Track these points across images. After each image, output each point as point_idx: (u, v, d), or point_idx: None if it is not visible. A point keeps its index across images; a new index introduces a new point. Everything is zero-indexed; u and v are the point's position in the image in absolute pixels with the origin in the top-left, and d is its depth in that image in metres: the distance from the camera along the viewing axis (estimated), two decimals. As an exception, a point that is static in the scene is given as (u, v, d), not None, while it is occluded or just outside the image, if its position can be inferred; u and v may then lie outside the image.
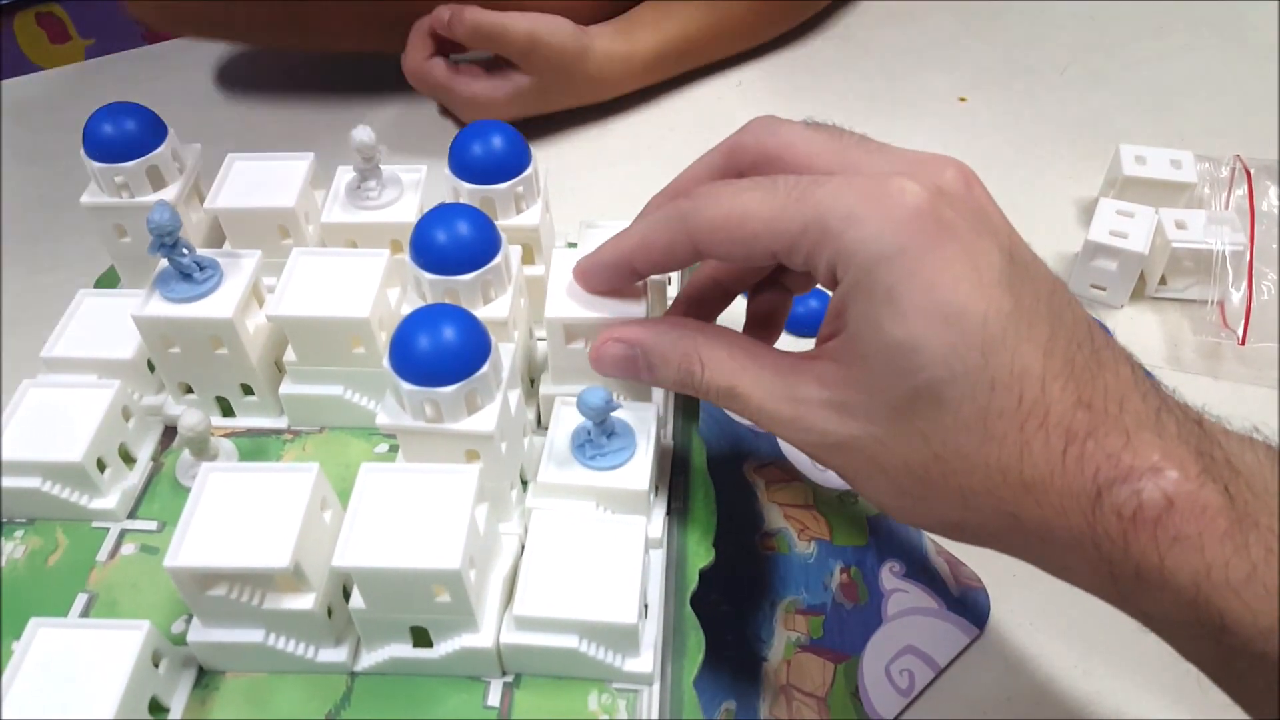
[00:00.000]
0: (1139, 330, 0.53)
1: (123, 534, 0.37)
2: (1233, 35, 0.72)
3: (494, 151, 0.39)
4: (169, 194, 0.41)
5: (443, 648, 0.32)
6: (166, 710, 0.32)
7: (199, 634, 0.32)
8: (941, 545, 0.44)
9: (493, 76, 0.62)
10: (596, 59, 0.62)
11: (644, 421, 0.36)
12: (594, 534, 0.33)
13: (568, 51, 0.60)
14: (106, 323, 0.40)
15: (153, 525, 0.38)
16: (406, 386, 0.32)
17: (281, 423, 0.41)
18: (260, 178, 0.42)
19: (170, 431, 0.40)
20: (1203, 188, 0.56)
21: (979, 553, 0.42)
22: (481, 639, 0.32)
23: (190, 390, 0.40)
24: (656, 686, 0.33)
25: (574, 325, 0.37)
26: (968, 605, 0.42)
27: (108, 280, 0.47)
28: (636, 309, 0.36)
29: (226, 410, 0.40)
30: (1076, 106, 0.68)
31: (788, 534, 0.44)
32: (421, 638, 0.32)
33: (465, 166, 0.39)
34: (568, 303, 0.37)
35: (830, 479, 0.46)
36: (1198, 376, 0.51)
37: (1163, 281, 0.54)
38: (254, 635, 0.32)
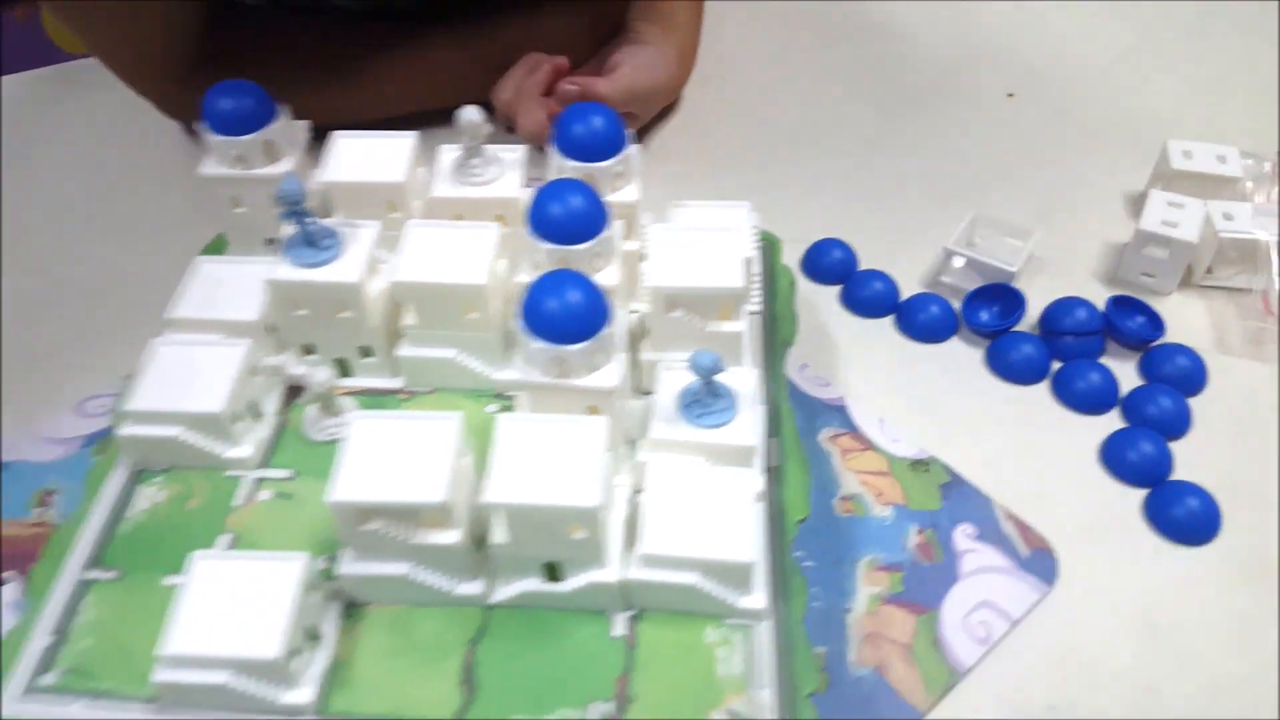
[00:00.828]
0: (1188, 316, 0.56)
1: (258, 481, 0.40)
2: (1267, 34, 0.75)
3: (596, 131, 0.42)
4: (284, 166, 0.44)
5: (572, 582, 0.35)
6: (319, 638, 0.35)
7: (350, 567, 0.35)
8: (1010, 511, 0.46)
9: None
10: (681, 77, 0.65)
11: (744, 384, 0.39)
12: (706, 483, 0.36)
13: (660, 89, 0.64)
14: (224, 287, 0.43)
15: (286, 473, 0.40)
16: (537, 344, 0.35)
17: (396, 383, 0.43)
18: (366, 154, 0.45)
19: (292, 390, 0.43)
20: (1246, 182, 0.59)
21: (1047, 518, 0.45)
22: (608, 574, 0.35)
23: (311, 351, 0.43)
24: (768, 623, 0.35)
25: (676, 294, 0.40)
26: (1037, 565, 0.44)
27: (214, 248, 0.49)
28: (735, 278, 0.39)
29: (345, 371, 0.43)
30: (1119, 103, 0.70)
31: (864, 498, 0.46)
32: (552, 573, 0.35)
33: (570, 145, 0.42)
34: (669, 273, 0.39)
35: (903, 448, 0.49)
36: (1243, 360, 0.54)
37: (1209, 270, 0.56)
38: (400, 568, 0.35)
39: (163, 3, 0.55)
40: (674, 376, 0.39)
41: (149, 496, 0.40)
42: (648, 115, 0.65)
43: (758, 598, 0.35)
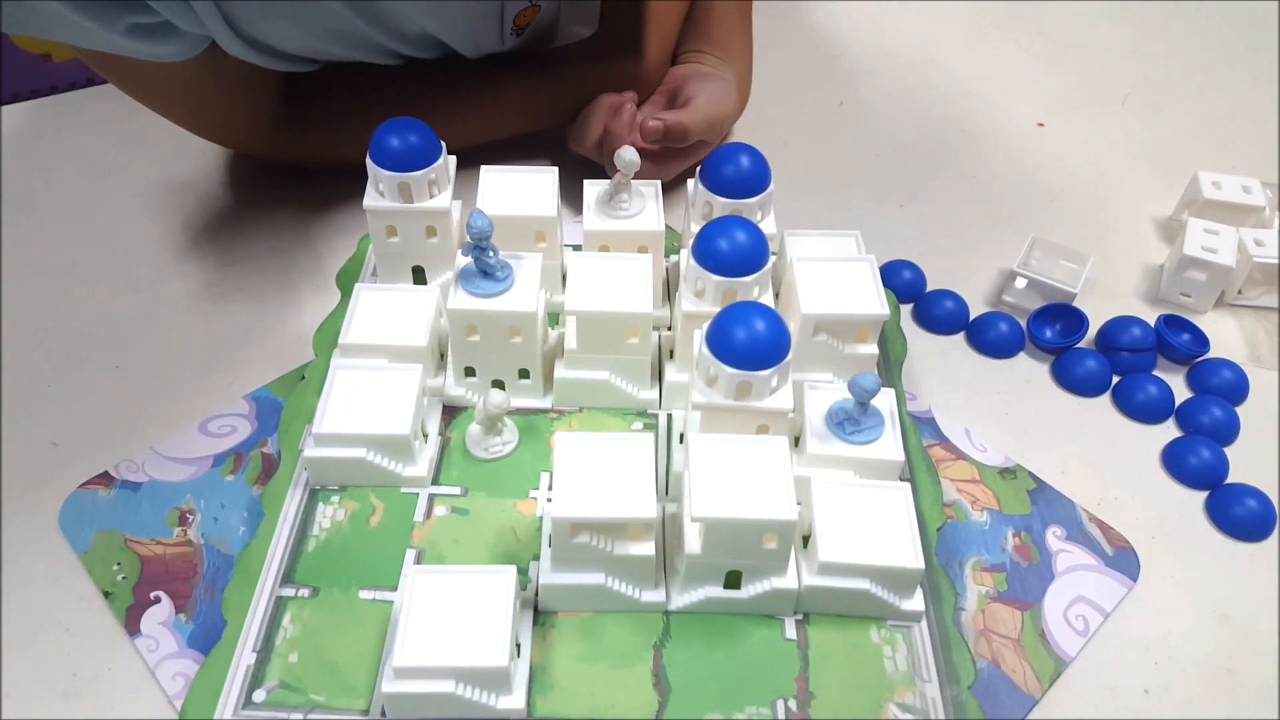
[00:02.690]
0: (1223, 333, 0.62)
1: (432, 498, 0.42)
2: (1264, 72, 0.82)
3: (743, 171, 0.45)
4: (442, 201, 0.46)
5: (751, 589, 0.38)
6: (519, 645, 0.37)
7: (549, 577, 0.38)
8: (1091, 514, 0.51)
9: (675, 153, 0.65)
10: (742, 105, 0.69)
11: (885, 403, 0.43)
12: (865, 497, 0.40)
13: (730, 116, 0.66)
14: (387, 313, 0.45)
15: (457, 490, 0.43)
16: (728, 370, 0.38)
17: (546, 403, 0.46)
18: (513, 187, 0.48)
19: (449, 410, 0.45)
20: (1266, 210, 0.65)
21: (1127, 519, 0.50)
22: (788, 581, 0.38)
23: (471, 374, 0.45)
24: (924, 623, 0.39)
25: (823, 321, 0.43)
26: (1121, 562, 0.49)
27: (358, 257, 0.51)
28: (878, 305, 0.43)
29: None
30: (1143, 134, 0.76)
31: (962, 505, 0.51)
32: (732, 580, 0.38)
33: (719, 183, 0.45)
34: (817, 301, 0.43)
35: (990, 457, 0.53)
36: (1272, 371, 0.60)
37: (1240, 291, 0.62)
38: (596, 578, 0.37)
39: (237, 81, 0.56)
40: (819, 395, 0.43)
41: (329, 515, 0.42)
42: (716, 144, 0.68)
43: (917, 600, 0.39)
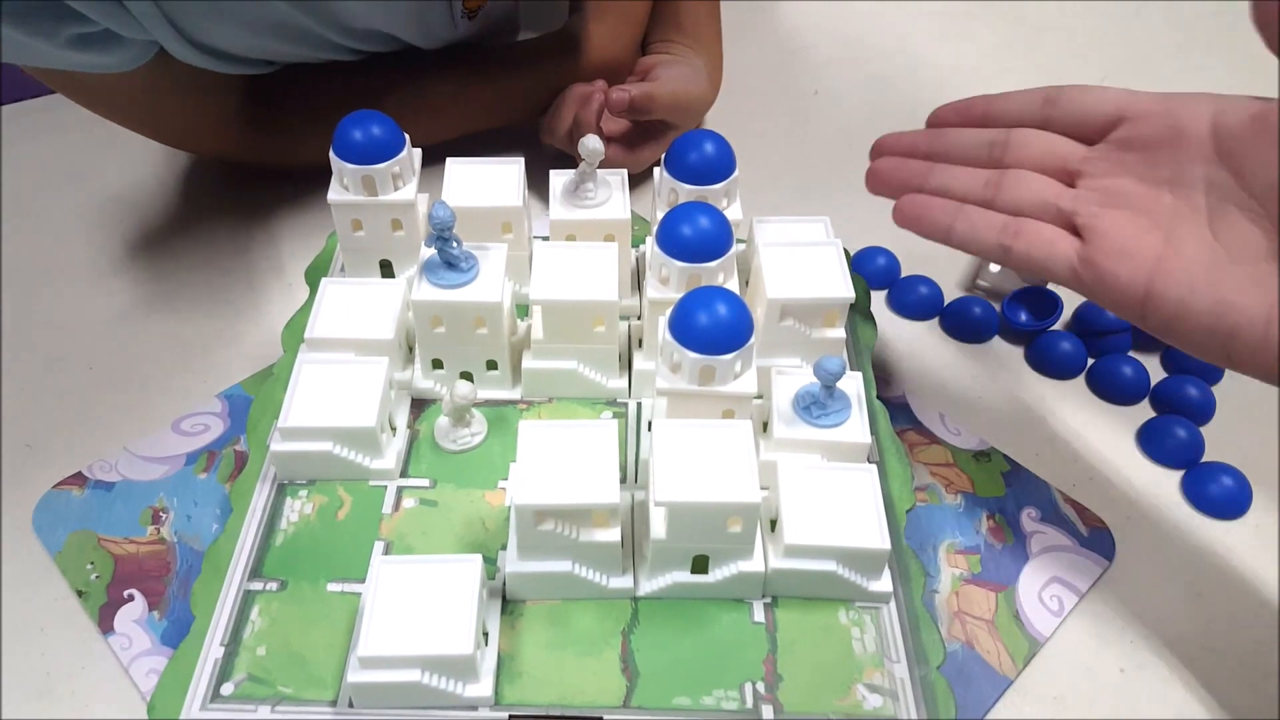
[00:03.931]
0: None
1: (400, 490, 0.42)
2: (1244, 54, 0.82)
3: (708, 157, 0.45)
4: (407, 193, 0.46)
5: (718, 573, 0.38)
6: (486, 634, 0.37)
7: (515, 566, 0.38)
8: (1066, 494, 0.51)
9: (647, 140, 0.65)
10: (713, 93, 0.69)
11: (852, 386, 0.43)
12: (828, 478, 0.40)
13: (697, 100, 0.66)
14: (353, 306, 0.45)
15: (425, 482, 0.43)
16: (691, 355, 0.38)
17: (515, 394, 0.46)
18: (479, 179, 0.48)
19: (417, 402, 0.45)
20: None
21: (1102, 500, 0.50)
22: (755, 564, 0.38)
23: (438, 366, 0.45)
24: (893, 604, 0.39)
25: (789, 305, 0.43)
26: (1096, 542, 0.49)
27: (326, 253, 0.52)
28: (844, 288, 0.43)
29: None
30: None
31: (936, 488, 0.51)
32: (699, 565, 0.38)
33: (684, 170, 0.45)
34: (782, 284, 0.43)
35: (964, 441, 0.53)
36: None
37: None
38: (563, 565, 0.37)
39: (194, 87, 0.56)
40: (787, 380, 0.43)
41: (297, 509, 0.42)
42: (687, 127, 0.68)
43: (885, 581, 0.39)
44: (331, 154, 0.45)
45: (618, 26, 0.67)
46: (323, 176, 0.46)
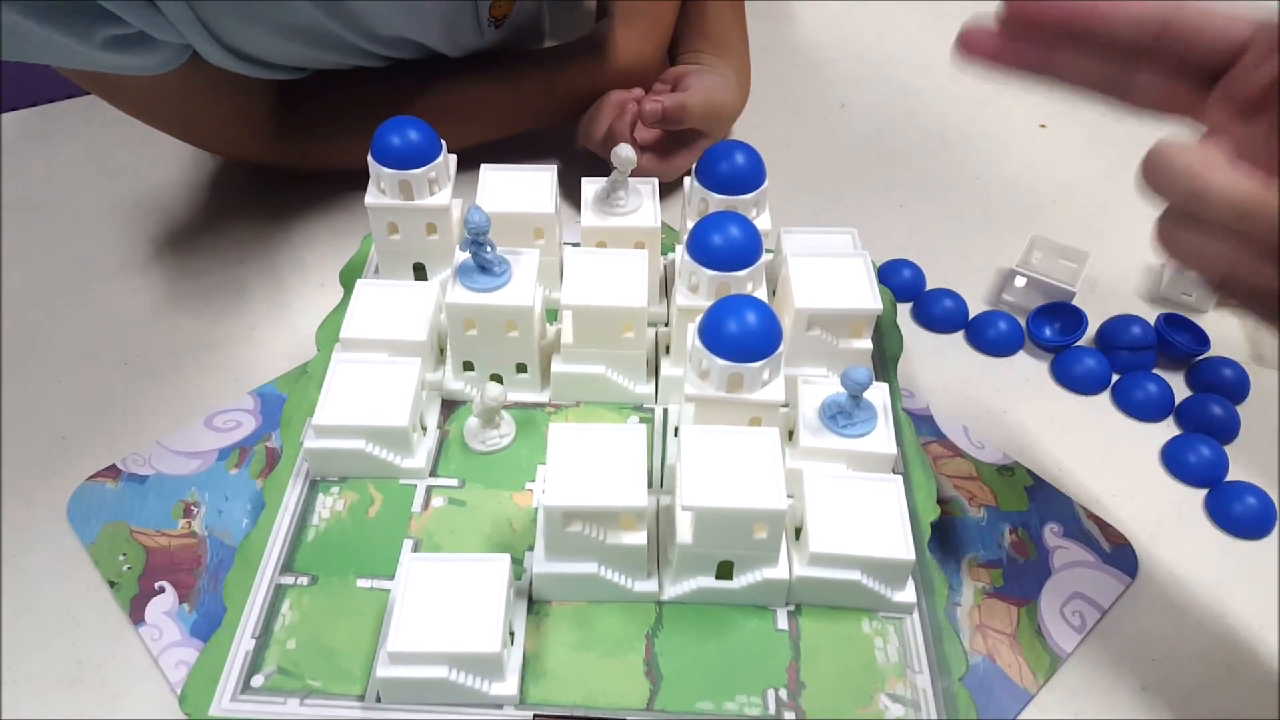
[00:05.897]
0: (1224, 331, 0.61)
1: (430, 489, 0.43)
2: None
3: (738, 168, 0.46)
4: (442, 198, 0.47)
5: (743, 579, 0.39)
6: (512, 633, 0.38)
7: (543, 566, 0.38)
8: (1089, 511, 0.51)
9: (679, 148, 0.65)
10: (741, 102, 0.69)
11: (878, 396, 0.43)
12: (857, 489, 0.40)
13: (728, 109, 0.67)
14: (388, 308, 0.46)
15: (454, 482, 0.43)
16: (720, 362, 0.38)
17: (544, 397, 0.46)
18: (512, 185, 0.48)
19: (447, 403, 0.46)
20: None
21: (1125, 517, 0.50)
22: (780, 571, 0.38)
23: (469, 368, 0.46)
24: (916, 615, 0.39)
25: (816, 315, 0.43)
26: (1119, 559, 0.49)
27: (350, 270, 0.52)
28: (871, 299, 0.43)
29: (497, 386, 0.46)
30: (1144, 134, 0.76)
31: (959, 501, 0.51)
32: (724, 571, 0.39)
33: (714, 180, 0.46)
34: (810, 295, 0.43)
35: (988, 454, 0.53)
36: (1274, 369, 0.60)
37: (1241, 290, 0.62)
38: (589, 567, 0.38)
39: (228, 91, 0.57)
40: (813, 389, 0.43)
41: (328, 505, 0.42)
42: (718, 136, 0.68)
43: (909, 592, 0.39)
44: (370, 158, 0.46)
45: (645, 31, 0.67)
46: (352, 180, 0.47)
